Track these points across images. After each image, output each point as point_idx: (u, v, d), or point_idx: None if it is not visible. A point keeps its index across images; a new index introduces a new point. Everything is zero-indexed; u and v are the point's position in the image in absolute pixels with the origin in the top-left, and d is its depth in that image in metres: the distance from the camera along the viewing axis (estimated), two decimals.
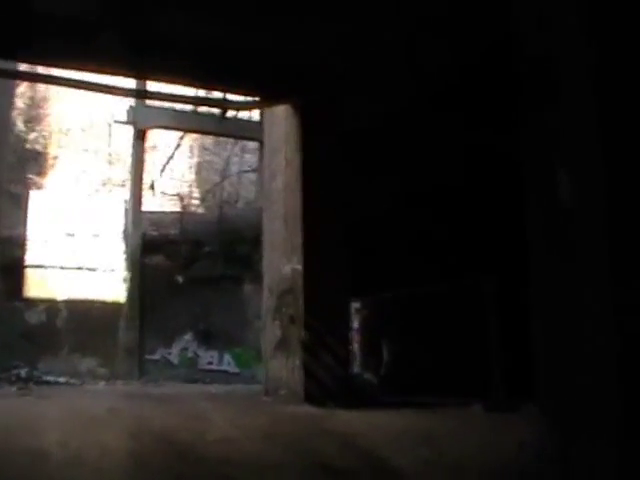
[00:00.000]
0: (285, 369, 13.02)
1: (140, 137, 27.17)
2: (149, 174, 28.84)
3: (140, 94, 14.64)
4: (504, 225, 14.94)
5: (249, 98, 14.49)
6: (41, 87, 31.46)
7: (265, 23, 11.74)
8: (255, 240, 28.27)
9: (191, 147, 32.53)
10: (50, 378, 21.53)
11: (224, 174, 32.51)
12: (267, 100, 13.67)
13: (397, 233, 14.58)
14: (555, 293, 6.39)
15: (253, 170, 32.35)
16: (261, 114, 28.58)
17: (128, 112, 27.01)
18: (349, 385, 12.83)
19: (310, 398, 12.20)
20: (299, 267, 12.81)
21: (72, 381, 21.81)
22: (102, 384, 21.72)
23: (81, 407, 10.96)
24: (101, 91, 13.37)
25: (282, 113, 13.94)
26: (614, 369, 5.67)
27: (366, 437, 8.85)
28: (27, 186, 28.55)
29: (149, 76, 13.37)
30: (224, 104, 13.43)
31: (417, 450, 7.93)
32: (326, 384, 12.47)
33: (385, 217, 14.53)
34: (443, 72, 11.68)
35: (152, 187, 29.52)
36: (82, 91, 12.34)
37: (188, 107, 28.92)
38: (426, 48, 11.13)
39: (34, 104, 32.01)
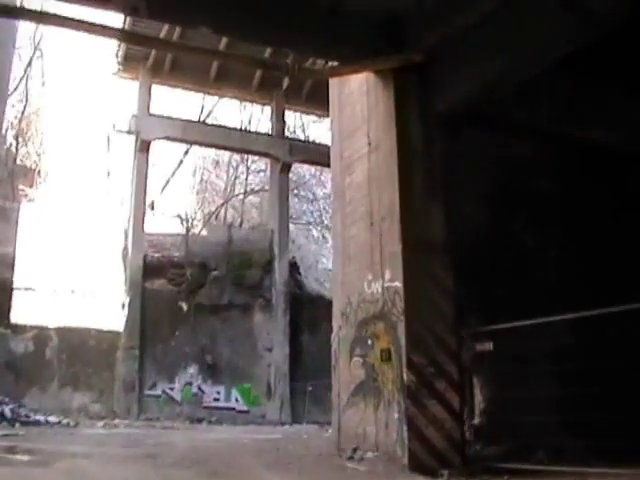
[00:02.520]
0: (373, 423, 8.90)
1: (143, 149, 23.03)
2: (149, 192, 24.62)
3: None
4: None
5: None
6: (33, 98, 27.43)
7: None
8: (266, 265, 24.42)
9: (193, 166, 28.52)
10: (39, 417, 17.22)
11: (228, 195, 28.51)
12: (348, 64, 9.64)
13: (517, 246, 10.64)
14: None
15: (259, 191, 28.43)
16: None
17: (130, 121, 22.88)
18: (463, 446, 8.73)
19: (416, 465, 8.12)
20: (397, 284, 8.77)
21: (65, 421, 17.45)
22: (100, 425, 17.39)
23: None
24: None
25: (361, 85, 10.05)
26: None
27: None
28: (17, 201, 24.29)
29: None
30: (292, 69, 9.12)
31: None
32: (436, 445, 8.39)
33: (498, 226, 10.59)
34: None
35: (152, 206, 25.32)
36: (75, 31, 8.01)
37: (195, 117, 25.12)
38: None
39: (26, 116, 27.79)
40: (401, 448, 8.31)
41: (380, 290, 9.05)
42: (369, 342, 9.20)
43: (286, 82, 23.51)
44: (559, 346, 9.51)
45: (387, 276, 8.96)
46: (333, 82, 10.97)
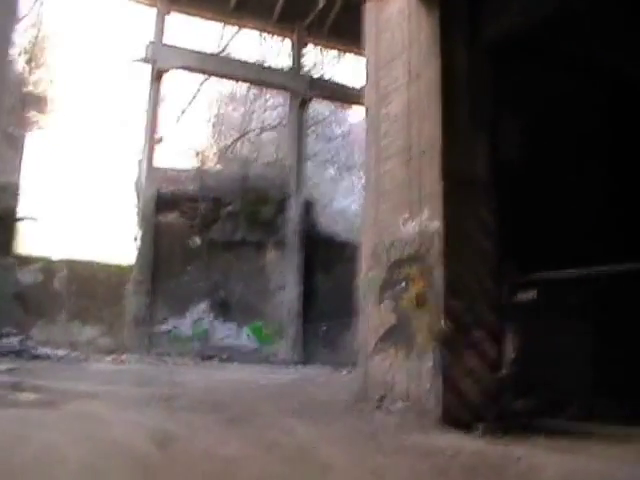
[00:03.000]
0: (404, 371, 8.28)
1: (159, 78, 22.11)
2: (164, 124, 23.76)
3: None
4: None
5: None
6: (46, 23, 26.45)
7: None
8: (281, 202, 23.68)
9: (209, 99, 27.57)
10: (48, 350, 16.64)
11: (244, 130, 27.62)
12: None
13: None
14: None
15: (276, 126, 27.53)
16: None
17: (147, 49, 21.94)
18: (499, 400, 8.10)
19: (450, 418, 7.52)
20: (436, 224, 8.04)
21: (73, 355, 16.94)
22: (109, 360, 16.91)
23: (110, 434, 6.08)
24: None
25: (402, 10, 9.21)
26: None
27: None
28: (24, 128, 23.46)
29: None
30: None
31: None
32: (472, 398, 7.78)
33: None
34: None
35: (166, 139, 24.48)
36: None
37: (213, 49, 24.13)
38: None
39: (38, 42, 26.79)
40: (434, 399, 7.70)
41: (417, 229, 8.34)
42: (402, 285, 8.52)
43: (321, 2, 22.32)
44: (600, 299, 8.83)
45: (425, 215, 8.24)
46: (369, 6, 10.09)
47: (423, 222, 8.23)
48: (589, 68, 10.61)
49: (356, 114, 28.96)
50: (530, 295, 8.36)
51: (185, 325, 21.72)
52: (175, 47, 22.55)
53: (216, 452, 5.66)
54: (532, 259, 8.20)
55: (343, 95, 24.65)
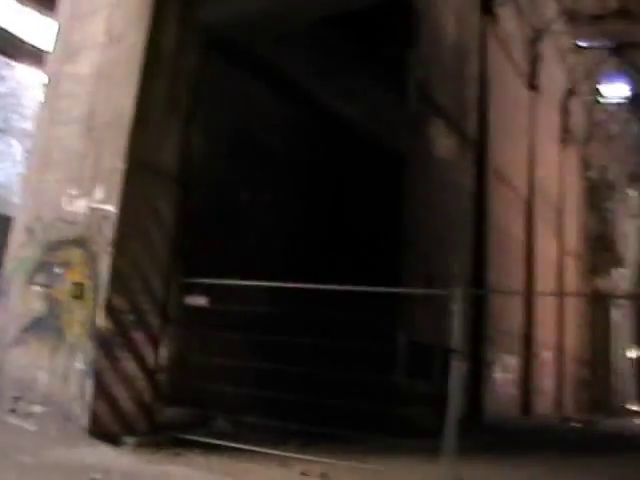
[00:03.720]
0: (48, 371, 7.13)
1: None
2: None
3: None
4: None
5: None
6: None
7: None
8: None
9: None
10: None
11: None
12: None
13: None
14: None
15: None
16: None
17: None
18: (153, 410, 7.36)
19: (99, 429, 6.65)
20: (109, 208, 7.07)
21: None
22: None
23: None
24: None
25: None
26: None
27: None
28: None
29: None
30: None
31: None
32: (124, 407, 6.97)
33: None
34: None
35: None
36: None
37: None
38: None
39: None
40: (81, 407, 6.73)
41: (86, 210, 7.28)
42: (59, 270, 7.39)
43: None
44: (256, 314, 8.45)
45: (98, 195, 7.23)
46: None
47: (93, 203, 7.21)
48: (292, 91, 10.53)
49: (22, 74, 26.53)
50: (199, 301, 7.74)
51: None
52: None
53: None
54: (208, 267, 7.66)
55: (13, 49, 22.32)
